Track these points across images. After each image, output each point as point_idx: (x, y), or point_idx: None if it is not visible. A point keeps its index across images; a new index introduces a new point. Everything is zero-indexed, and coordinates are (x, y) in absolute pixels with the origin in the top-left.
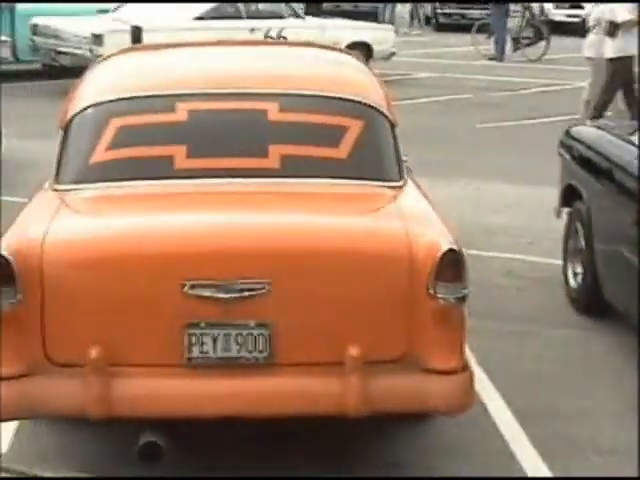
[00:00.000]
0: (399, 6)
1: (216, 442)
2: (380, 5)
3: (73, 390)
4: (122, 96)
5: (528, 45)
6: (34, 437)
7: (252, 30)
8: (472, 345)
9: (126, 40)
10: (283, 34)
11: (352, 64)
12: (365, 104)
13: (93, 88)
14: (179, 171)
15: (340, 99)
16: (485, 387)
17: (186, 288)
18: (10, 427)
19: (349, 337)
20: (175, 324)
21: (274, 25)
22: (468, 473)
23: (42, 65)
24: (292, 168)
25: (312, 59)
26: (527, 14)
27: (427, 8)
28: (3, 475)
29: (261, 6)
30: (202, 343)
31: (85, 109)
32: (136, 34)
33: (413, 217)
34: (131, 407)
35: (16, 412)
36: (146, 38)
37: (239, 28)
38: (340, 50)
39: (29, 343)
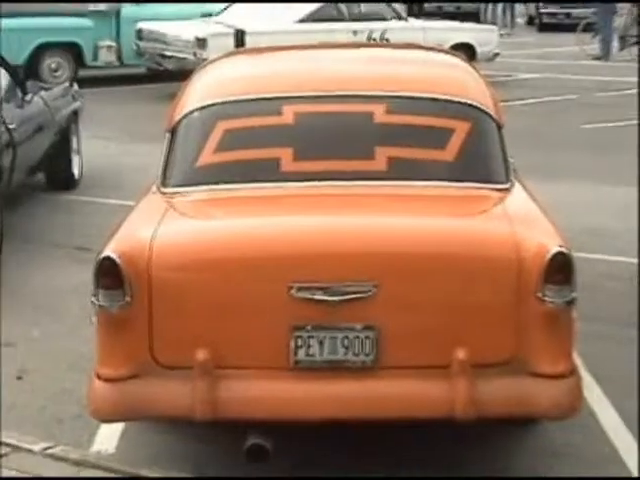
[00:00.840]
0: (500, 6)
1: (321, 444)
2: (482, 5)
3: (180, 392)
4: (228, 99)
5: (635, 43)
6: (141, 438)
7: (355, 32)
8: (580, 349)
9: (229, 43)
10: (386, 36)
11: (458, 65)
12: (472, 106)
13: (199, 91)
14: (285, 174)
15: (447, 101)
16: (593, 391)
17: (293, 291)
18: (117, 429)
19: (456, 340)
20: (282, 327)
21: (377, 27)
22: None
23: (147, 69)
24: (399, 170)
25: (417, 61)
26: (634, 12)
27: (530, 8)
28: (111, 475)
29: (363, 8)
30: (308, 346)
31: (192, 112)
32: (239, 37)
33: (521, 219)
34: (237, 409)
35: (123, 414)
36: (249, 41)
37: (341, 30)
38: (445, 51)
39: (137, 345)
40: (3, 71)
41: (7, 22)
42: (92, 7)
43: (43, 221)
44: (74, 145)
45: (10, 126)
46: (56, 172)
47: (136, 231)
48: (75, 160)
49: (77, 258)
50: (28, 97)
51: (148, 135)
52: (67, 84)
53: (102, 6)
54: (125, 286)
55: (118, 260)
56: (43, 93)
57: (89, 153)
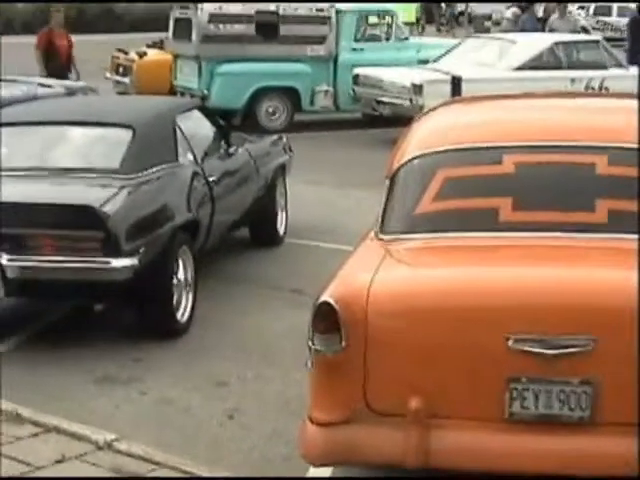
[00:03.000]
0: None
1: None
2: None
3: (392, 439)
4: (449, 148)
5: None
6: None
7: (572, 81)
8: None
9: (445, 90)
10: (605, 85)
11: None
12: None
13: (419, 139)
14: (504, 224)
15: None
16: None
17: (510, 342)
18: (326, 472)
19: None
20: (497, 378)
21: (596, 75)
22: None
23: (362, 114)
24: (620, 223)
25: (637, 111)
26: None
27: None
28: None
29: (582, 56)
30: (523, 398)
31: (411, 160)
32: (456, 84)
33: None
34: (449, 459)
35: (334, 458)
36: (465, 88)
37: (559, 79)
38: None
39: (351, 391)
40: (206, 122)
41: (228, 67)
42: (310, 52)
43: (258, 263)
44: (280, 201)
45: (210, 179)
46: (260, 228)
47: (354, 277)
48: (281, 217)
49: (291, 301)
50: (232, 149)
51: (361, 181)
52: (276, 136)
53: (321, 51)
54: (342, 331)
55: (336, 305)
56: (249, 145)
57: (302, 197)
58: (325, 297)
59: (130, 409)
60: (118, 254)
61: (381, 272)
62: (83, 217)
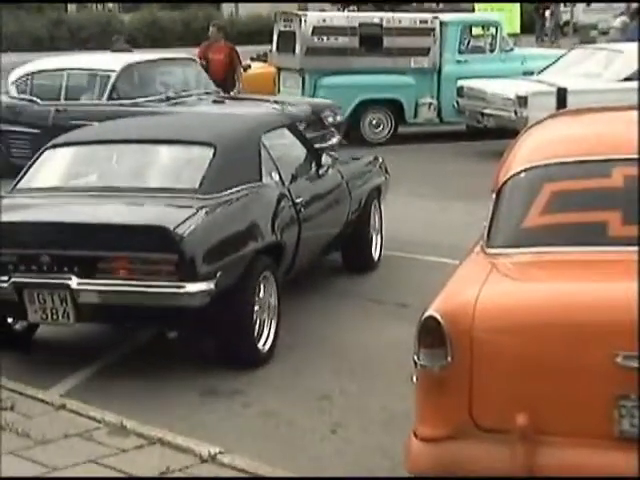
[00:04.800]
0: None
1: None
2: None
3: (498, 455)
4: (556, 161)
5: None
6: None
7: None
8: None
9: (550, 102)
10: None
11: None
12: None
13: (526, 153)
14: (613, 238)
15: None
16: None
17: (618, 359)
18: None
19: None
20: (605, 395)
21: None
22: None
23: (466, 127)
24: None
25: None
26: None
27: None
28: None
29: None
30: (632, 416)
31: (518, 174)
32: (561, 96)
33: None
34: (557, 477)
35: (439, 472)
36: (571, 100)
37: None
38: None
39: (456, 406)
40: (296, 141)
41: (332, 79)
42: (414, 64)
43: (362, 276)
44: (375, 224)
45: (297, 200)
46: (353, 253)
47: (460, 291)
48: (375, 241)
49: (395, 314)
50: (322, 170)
51: (465, 193)
52: (371, 157)
53: (425, 63)
54: (447, 346)
55: (441, 320)
56: (341, 166)
57: (406, 210)
58: (431, 311)
59: (233, 422)
60: (193, 278)
61: (487, 286)
62: (157, 239)
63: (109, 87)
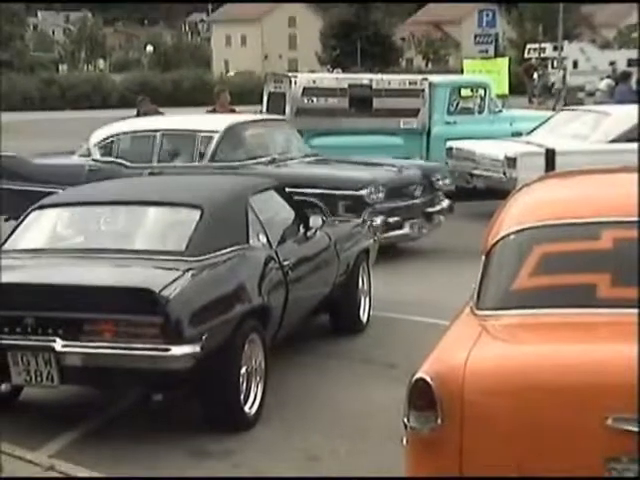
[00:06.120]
0: None
1: None
2: None
3: None
4: (545, 223)
5: None
6: None
7: None
8: None
9: (539, 163)
10: None
11: None
12: None
13: (515, 215)
14: (602, 300)
15: None
16: None
17: (608, 421)
18: None
19: None
20: (595, 458)
21: None
22: None
23: (456, 187)
24: None
25: None
26: None
27: None
28: None
29: None
30: (624, 478)
31: (508, 235)
32: (550, 157)
33: None
34: None
35: None
36: (559, 161)
37: None
38: None
39: (446, 468)
40: (283, 203)
41: (321, 140)
42: (403, 125)
43: (350, 336)
44: (364, 286)
45: (284, 263)
46: (341, 316)
47: (450, 354)
48: (363, 303)
49: (385, 375)
50: (310, 232)
51: (453, 254)
52: (360, 220)
53: (414, 124)
54: (437, 408)
55: (432, 382)
56: (329, 229)
57: (394, 269)
58: (421, 374)
59: None
60: (179, 341)
61: (477, 349)
62: (142, 301)
63: (212, 148)
